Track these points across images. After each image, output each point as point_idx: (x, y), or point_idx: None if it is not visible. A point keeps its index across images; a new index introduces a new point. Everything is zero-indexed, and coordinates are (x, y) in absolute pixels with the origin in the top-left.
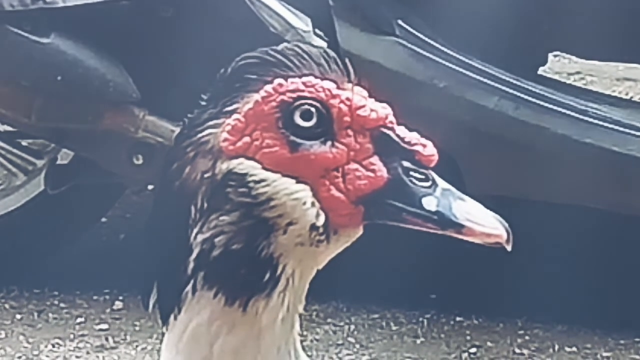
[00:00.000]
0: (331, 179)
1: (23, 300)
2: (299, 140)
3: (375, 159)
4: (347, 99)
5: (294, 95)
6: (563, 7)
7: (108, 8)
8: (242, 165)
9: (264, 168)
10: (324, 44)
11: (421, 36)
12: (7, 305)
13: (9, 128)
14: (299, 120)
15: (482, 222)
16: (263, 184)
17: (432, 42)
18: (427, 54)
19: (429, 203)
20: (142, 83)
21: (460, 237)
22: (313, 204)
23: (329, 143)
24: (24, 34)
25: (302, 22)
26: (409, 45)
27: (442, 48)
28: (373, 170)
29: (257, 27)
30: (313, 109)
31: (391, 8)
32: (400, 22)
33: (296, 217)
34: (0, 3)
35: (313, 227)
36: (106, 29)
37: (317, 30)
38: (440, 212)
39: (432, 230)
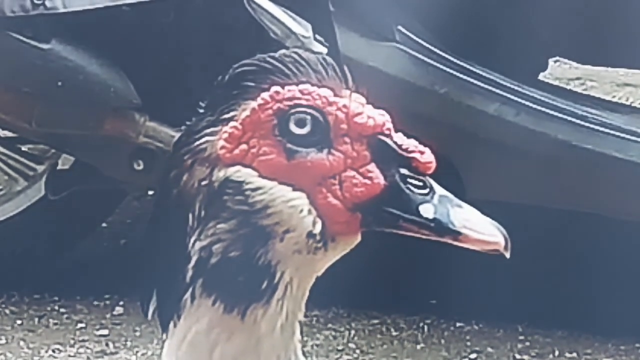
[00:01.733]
0: (328, 186)
1: (23, 306)
2: (295, 148)
3: (372, 167)
4: (344, 106)
5: (290, 102)
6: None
7: (109, 14)
8: (239, 173)
9: (261, 176)
10: (325, 50)
11: (421, 42)
12: (7, 311)
13: (10, 133)
14: (294, 128)
15: (480, 230)
16: (260, 191)
17: (432, 48)
18: (427, 60)
19: (427, 210)
20: (143, 89)
21: (458, 244)
22: (310, 212)
23: (325, 150)
24: (25, 40)
25: (302, 28)
26: (409, 51)
27: (442, 54)
28: (370, 178)
29: (258, 33)
30: (308, 117)
31: (391, 14)
32: (400, 28)
33: (293, 225)
34: (1, 8)
35: (310, 234)
36: (107, 35)
37: (317, 36)
38: (437, 219)
39: (429, 238)
